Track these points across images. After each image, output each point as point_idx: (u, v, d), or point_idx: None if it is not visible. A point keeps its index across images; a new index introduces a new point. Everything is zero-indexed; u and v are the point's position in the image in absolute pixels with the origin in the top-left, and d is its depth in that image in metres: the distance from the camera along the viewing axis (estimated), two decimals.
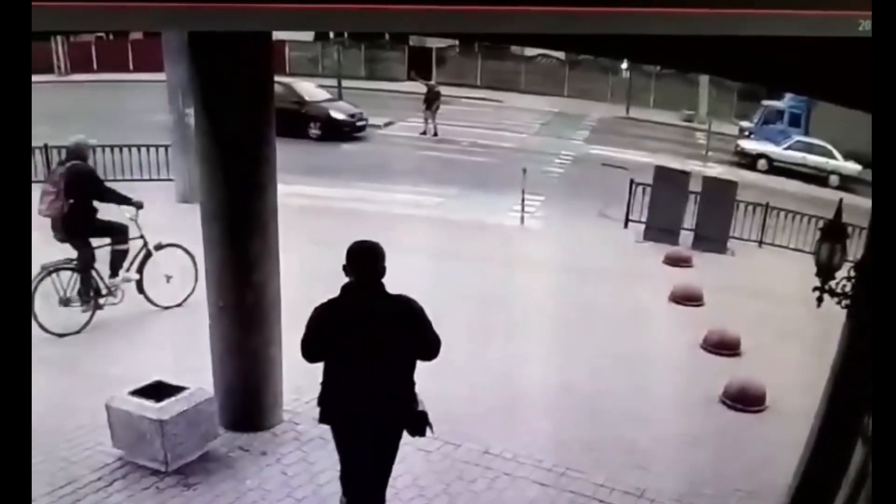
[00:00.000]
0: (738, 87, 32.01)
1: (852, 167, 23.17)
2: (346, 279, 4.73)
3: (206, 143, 6.33)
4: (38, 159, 16.25)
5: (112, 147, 16.29)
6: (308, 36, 39.18)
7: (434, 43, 39.19)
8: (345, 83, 29.35)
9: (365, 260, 4.69)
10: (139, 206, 9.44)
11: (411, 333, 4.75)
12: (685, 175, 15.67)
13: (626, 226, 15.99)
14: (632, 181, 15.98)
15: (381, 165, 20.71)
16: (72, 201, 8.74)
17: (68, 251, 8.97)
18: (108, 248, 9.30)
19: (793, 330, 10.18)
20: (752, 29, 2.46)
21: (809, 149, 24.98)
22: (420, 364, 4.92)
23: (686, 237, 15.08)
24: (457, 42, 38.25)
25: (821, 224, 12.38)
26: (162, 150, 16.14)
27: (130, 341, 8.52)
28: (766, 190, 19.57)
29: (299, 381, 7.16)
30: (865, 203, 2.97)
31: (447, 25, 3.05)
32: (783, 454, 5.34)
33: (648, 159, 21.26)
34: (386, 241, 4.90)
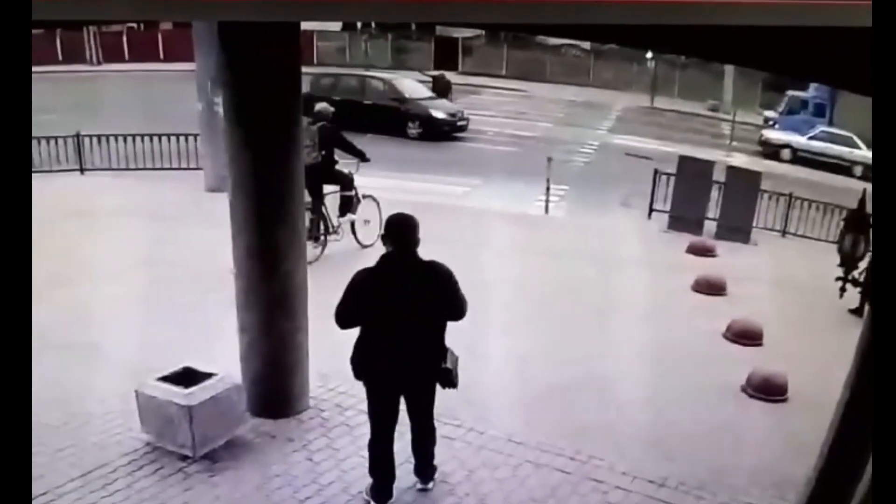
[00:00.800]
0: (763, 76, 31.79)
1: None
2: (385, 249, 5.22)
3: (234, 133, 6.39)
4: (70, 147, 16.45)
5: (142, 136, 16.46)
6: (336, 26, 39.30)
7: (460, 33, 39.14)
8: (372, 73, 29.34)
9: (402, 230, 5.17)
10: (368, 160, 11.69)
11: (442, 296, 5.20)
12: (709, 165, 15.56)
13: (649, 216, 15.94)
14: (656, 171, 15.92)
15: (409, 155, 20.79)
16: (323, 153, 10.95)
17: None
18: (338, 194, 11.59)
19: (815, 320, 10.15)
20: (776, 19, 2.46)
21: (833, 139, 24.81)
22: None
23: (710, 227, 15.02)
24: (483, 32, 38.20)
25: (844, 214, 12.38)
26: (191, 139, 16.28)
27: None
28: (789, 180, 19.46)
29: (325, 368, 7.26)
30: None
31: (474, 16, 3.07)
32: (804, 445, 5.30)
33: (672, 149, 21.17)
34: None
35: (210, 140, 15.00)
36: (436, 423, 5.76)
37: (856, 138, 23.83)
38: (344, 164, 11.60)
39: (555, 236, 14.23)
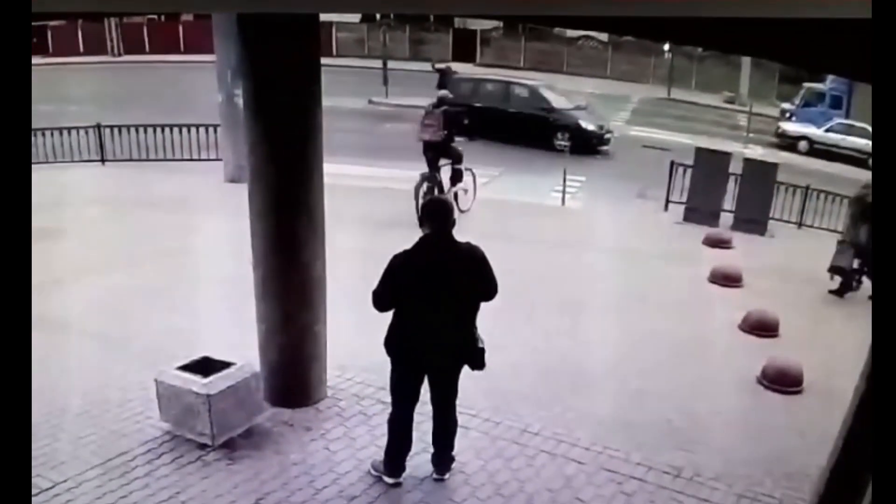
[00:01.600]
0: (780, 69, 31.68)
1: None
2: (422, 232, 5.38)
3: (254, 124, 6.42)
4: (91, 138, 16.56)
5: (162, 127, 16.56)
6: (355, 17, 39.39)
7: (478, 25, 39.14)
8: (390, 64, 29.39)
9: (439, 214, 5.34)
10: (474, 139, 14.69)
11: (476, 276, 5.36)
12: (726, 156, 15.50)
13: (666, 207, 15.92)
14: (672, 162, 15.89)
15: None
16: (446, 132, 13.08)
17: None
18: (450, 167, 13.57)
19: (831, 312, 10.11)
20: (794, 11, 2.47)
21: (850, 131, 24.67)
22: None
23: (726, 219, 14.99)
24: (501, 24, 38.18)
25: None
26: (211, 130, 16.36)
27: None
28: (806, 172, 19.36)
29: (342, 358, 7.30)
30: None
31: (492, 8, 3.09)
32: (819, 436, 5.32)
33: (689, 141, 21.10)
34: None
35: (230, 131, 15.08)
36: None
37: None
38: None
39: (571, 227, 14.24)
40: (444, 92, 14.35)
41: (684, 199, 15.42)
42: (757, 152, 21.52)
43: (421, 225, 5.41)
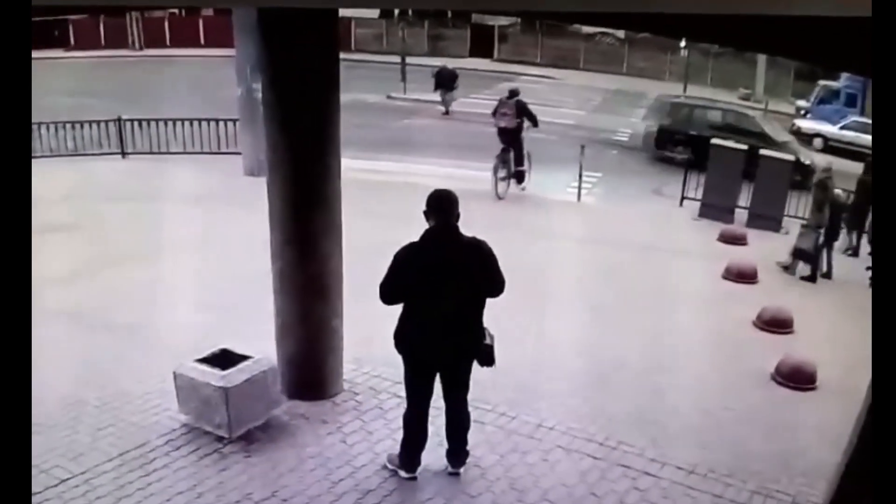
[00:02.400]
0: (795, 66, 31.49)
1: None
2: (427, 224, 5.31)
3: (272, 118, 6.45)
4: (112, 131, 16.67)
5: (182, 120, 16.67)
6: (373, 13, 39.44)
7: (496, 21, 39.08)
8: (408, 60, 29.40)
9: (444, 205, 5.24)
10: (538, 126, 15.67)
11: (483, 272, 5.29)
12: (741, 153, 15.43)
13: (681, 203, 15.87)
14: (688, 159, 15.81)
15: (442, 140, 20.85)
16: (519, 120, 15.10)
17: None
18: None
19: (846, 308, 10.05)
20: (806, 8, 2.48)
21: (865, 128, 24.43)
22: None
23: (741, 215, 14.93)
24: (518, 20, 38.12)
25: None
26: (230, 123, 16.44)
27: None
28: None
29: (359, 352, 7.34)
30: None
31: (510, 4, 3.10)
32: (833, 433, 5.30)
33: None
34: None
35: (249, 125, 15.17)
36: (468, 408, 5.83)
37: None
38: None
39: (587, 223, 14.20)
40: (513, 86, 16.39)
41: (700, 195, 15.40)
42: (772, 149, 21.35)
43: (426, 217, 5.30)
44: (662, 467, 6.15)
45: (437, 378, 5.62)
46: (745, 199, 15.04)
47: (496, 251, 5.34)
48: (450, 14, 39.32)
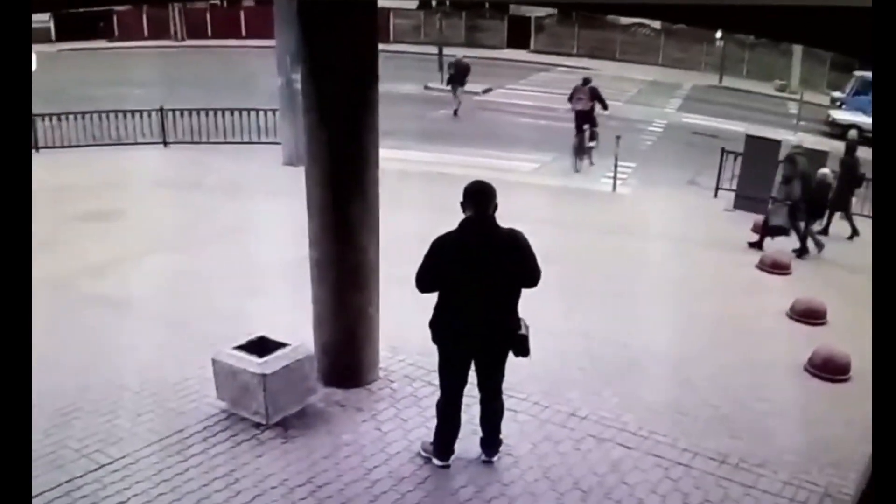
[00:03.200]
0: (831, 57, 30.97)
1: None
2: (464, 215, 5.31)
3: (311, 108, 6.50)
4: (154, 121, 16.90)
5: (223, 110, 16.85)
6: (412, 4, 39.46)
7: (533, 12, 38.89)
8: (445, 50, 29.35)
9: (481, 197, 5.25)
10: (607, 108, 17.87)
11: (518, 262, 5.30)
12: (776, 144, 15.25)
13: (716, 194, 15.75)
14: (723, 150, 15.69)
15: (480, 131, 20.87)
16: (592, 103, 17.22)
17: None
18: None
19: None
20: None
21: None
22: None
23: None
24: (555, 11, 37.90)
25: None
26: (270, 113, 16.60)
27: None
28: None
29: (395, 340, 7.40)
30: None
31: None
32: (866, 425, 5.25)
33: (740, 128, 20.81)
34: None
35: (288, 115, 15.30)
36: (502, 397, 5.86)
37: None
38: None
39: (622, 213, 14.19)
40: (588, 74, 19.00)
41: (735, 186, 15.28)
42: (807, 140, 21.04)
43: (463, 208, 5.31)
44: (694, 457, 6.15)
45: (472, 367, 5.65)
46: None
47: (531, 241, 5.35)
48: (487, 5, 39.19)
